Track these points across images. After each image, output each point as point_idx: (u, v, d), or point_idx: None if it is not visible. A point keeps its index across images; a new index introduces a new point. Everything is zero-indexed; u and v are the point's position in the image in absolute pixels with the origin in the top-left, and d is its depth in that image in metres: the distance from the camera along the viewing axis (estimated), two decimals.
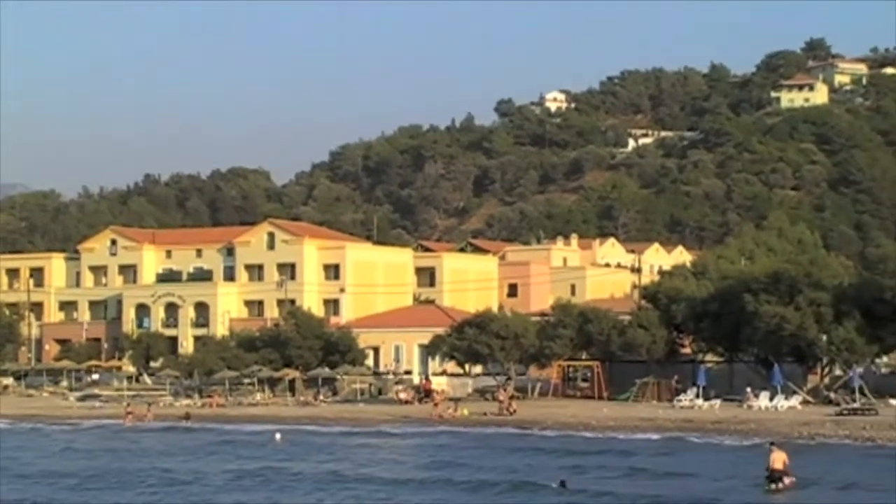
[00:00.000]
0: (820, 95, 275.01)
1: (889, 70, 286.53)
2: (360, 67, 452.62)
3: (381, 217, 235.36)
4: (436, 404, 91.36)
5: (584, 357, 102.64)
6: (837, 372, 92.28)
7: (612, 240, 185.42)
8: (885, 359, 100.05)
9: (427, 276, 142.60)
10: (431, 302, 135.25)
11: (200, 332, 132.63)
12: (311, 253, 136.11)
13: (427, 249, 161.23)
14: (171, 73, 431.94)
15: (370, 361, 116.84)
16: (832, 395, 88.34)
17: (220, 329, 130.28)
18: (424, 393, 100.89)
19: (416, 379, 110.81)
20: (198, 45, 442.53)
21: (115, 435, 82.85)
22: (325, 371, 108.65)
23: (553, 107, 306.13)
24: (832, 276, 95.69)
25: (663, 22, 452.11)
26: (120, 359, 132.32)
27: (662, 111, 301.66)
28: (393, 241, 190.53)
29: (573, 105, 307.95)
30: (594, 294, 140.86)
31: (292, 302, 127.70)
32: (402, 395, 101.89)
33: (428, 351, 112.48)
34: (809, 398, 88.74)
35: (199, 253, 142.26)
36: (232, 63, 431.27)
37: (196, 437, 79.25)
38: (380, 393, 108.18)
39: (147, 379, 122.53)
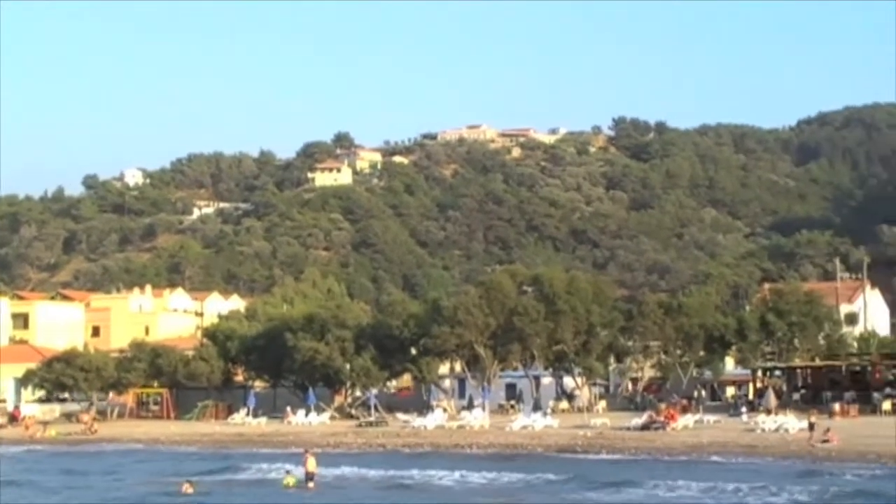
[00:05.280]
0: (345, 177, 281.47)
1: (397, 158, 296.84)
2: None
3: None
4: (27, 427, 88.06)
5: (155, 384, 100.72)
6: (358, 393, 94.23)
7: (179, 289, 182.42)
8: (394, 382, 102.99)
9: (21, 320, 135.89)
10: (25, 342, 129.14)
11: None
12: None
13: (22, 298, 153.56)
14: None
15: None
16: (353, 411, 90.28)
17: None
18: (14, 418, 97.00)
19: (9, 406, 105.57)
20: None
21: None
22: None
23: (132, 181, 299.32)
24: (354, 318, 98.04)
25: (224, 113, 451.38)
26: None
27: (221, 187, 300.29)
28: None
29: (148, 180, 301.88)
30: (165, 334, 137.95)
31: None
32: None
33: (21, 383, 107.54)
34: (336, 414, 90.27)
35: None
36: None
37: None
38: None
39: None
